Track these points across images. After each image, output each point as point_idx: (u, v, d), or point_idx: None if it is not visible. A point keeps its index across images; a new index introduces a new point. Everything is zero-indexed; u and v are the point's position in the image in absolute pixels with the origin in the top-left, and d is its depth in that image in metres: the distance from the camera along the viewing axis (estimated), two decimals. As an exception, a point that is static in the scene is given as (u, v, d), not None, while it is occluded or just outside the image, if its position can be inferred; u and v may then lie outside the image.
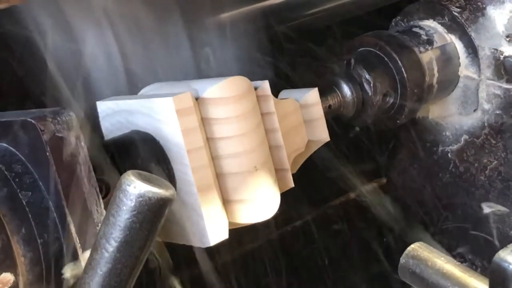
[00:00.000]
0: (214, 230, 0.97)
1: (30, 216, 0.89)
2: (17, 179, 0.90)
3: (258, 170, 1.00)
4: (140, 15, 1.26)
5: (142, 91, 1.04)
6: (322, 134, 1.09)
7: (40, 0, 1.13)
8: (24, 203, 0.90)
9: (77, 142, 0.90)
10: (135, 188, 0.74)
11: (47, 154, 0.85)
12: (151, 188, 0.74)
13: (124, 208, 0.75)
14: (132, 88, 1.14)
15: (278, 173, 1.03)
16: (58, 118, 0.88)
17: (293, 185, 1.04)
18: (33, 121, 0.86)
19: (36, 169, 0.90)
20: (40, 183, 0.90)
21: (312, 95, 1.07)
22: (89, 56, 1.22)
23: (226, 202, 0.95)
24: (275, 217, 1.40)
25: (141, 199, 0.74)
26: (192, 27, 1.30)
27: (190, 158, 0.94)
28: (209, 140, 0.95)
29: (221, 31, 1.37)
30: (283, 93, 1.08)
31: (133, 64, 1.24)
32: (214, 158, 0.95)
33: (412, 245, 0.95)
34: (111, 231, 0.76)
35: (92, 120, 1.14)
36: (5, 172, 0.90)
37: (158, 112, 0.94)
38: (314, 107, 1.07)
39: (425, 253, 0.94)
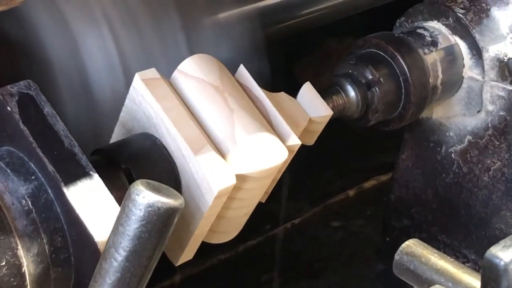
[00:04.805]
0: (185, 256, 1.01)
1: (52, 289, 0.94)
2: (53, 255, 0.91)
3: (246, 214, 1.04)
4: (138, 14, 1.26)
5: (181, 68, 1.02)
6: (310, 141, 1.11)
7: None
8: (52, 279, 0.91)
9: None
10: (144, 198, 0.73)
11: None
12: (160, 198, 0.73)
13: (133, 217, 0.74)
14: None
15: None
16: None
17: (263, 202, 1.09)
18: (96, 240, 0.86)
19: (74, 246, 0.90)
20: (72, 259, 0.91)
21: (325, 116, 1.08)
22: (88, 55, 1.22)
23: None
24: (275, 215, 1.39)
25: (150, 208, 0.73)
26: (189, 25, 1.29)
27: (203, 221, 0.95)
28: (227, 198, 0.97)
29: (219, 29, 1.38)
30: (305, 90, 1.08)
31: (131, 63, 1.25)
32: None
33: (407, 242, 0.94)
34: (120, 240, 0.76)
35: (91, 122, 1.21)
36: (46, 245, 0.90)
37: (199, 177, 0.94)
38: (319, 125, 1.08)
39: (419, 250, 0.94)
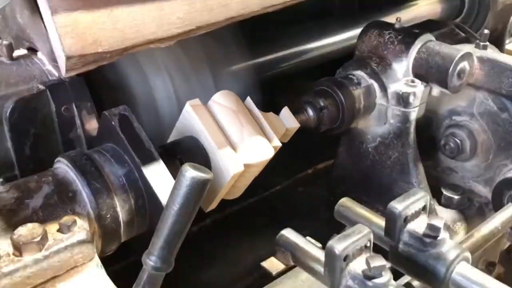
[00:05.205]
0: (211, 206, 1.19)
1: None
2: (137, 211, 1.02)
3: (246, 184, 1.20)
4: (185, 65, 1.44)
5: (214, 99, 1.17)
6: (285, 140, 1.31)
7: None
8: (135, 224, 1.01)
9: None
10: (189, 173, 0.86)
11: None
12: (199, 174, 0.87)
13: (183, 185, 0.87)
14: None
15: None
16: None
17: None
18: (162, 203, 0.97)
19: (149, 205, 1.01)
20: (147, 213, 1.02)
21: (295, 127, 1.31)
22: (156, 92, 1.39)
23: None
24: (261, 182, 1.40)
25: (193, 179, 0.86)
26: (214, 73, 1.49)
27: (223, 190, 1.14)
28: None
29: (232, 75, 1.57)
30: (284, 111, 1.30)
31: (181, 96, 1.43)
32: None
33: (342, 199, 1.17)
34: (175, 198, 0.88)
35: (159, 130, 1.32)
36: (133, 205, 0.99)
37: (222, 164, 1.10)
38: (292, 131, 1.32)
39: (349, 203, 1.15)
